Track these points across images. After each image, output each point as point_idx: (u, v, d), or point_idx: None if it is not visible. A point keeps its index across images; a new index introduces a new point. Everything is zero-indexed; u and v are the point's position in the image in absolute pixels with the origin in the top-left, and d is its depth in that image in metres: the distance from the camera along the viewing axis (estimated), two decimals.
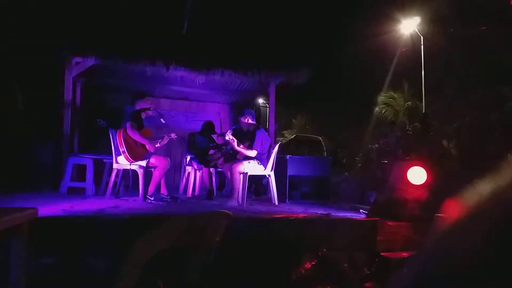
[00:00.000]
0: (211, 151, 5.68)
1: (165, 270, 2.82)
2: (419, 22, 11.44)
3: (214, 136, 6.03)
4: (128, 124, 4.41)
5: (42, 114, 5.82)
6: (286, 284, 3.03)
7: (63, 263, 2.79)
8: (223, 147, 5.83)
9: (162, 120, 4.87)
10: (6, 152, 5.12)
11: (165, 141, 4.81)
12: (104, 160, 5.25)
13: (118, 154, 4.55)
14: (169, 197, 4.70)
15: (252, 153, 4.70)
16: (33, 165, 5.35)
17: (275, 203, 4.82)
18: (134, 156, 4.42)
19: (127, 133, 4.42)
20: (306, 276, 3.09)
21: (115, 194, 4.70)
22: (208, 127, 5.92)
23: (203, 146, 5.81)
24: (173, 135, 4.91)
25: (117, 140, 4.45)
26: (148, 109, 4.72)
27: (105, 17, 5.81)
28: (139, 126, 4.54)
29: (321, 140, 10.35)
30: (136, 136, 4.42)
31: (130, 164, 4.48)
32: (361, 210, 4.18)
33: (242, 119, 4.87)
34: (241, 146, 4.71)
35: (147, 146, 4.49)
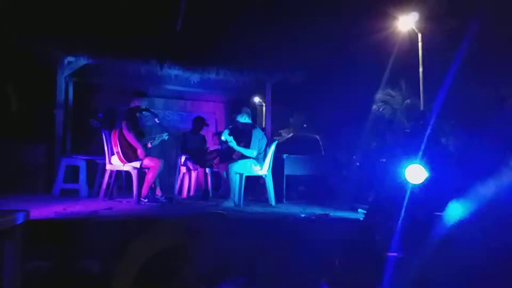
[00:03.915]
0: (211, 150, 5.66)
1: (160, 272, 2.77)
2: (416, 19, 11.47)
3: (209, 136, 5.98)
4: (124, 124, 4.34)
5: (33, 115, 5.75)
6: (284, 284, 2.99)
7: (56, 266, 2.75)
8: (217, 150, 5.79)
9: (156, 119, 4.80)
10: None
11: (156, 141, 4.76)
12: (97, 161, 5.18)
13: (111, 154, 4.49)
14: (164, 198, 4.65)
15: (252, 153, 4.65)
16: (25, 166, 5.28)
17: (272, 204, 4.78)
18: (127, 157, 4.35)
19: (122, 133, 4.35)
20: (303, 276, 3.05)
21: (109, 195, 4.65)
22: (198, 123, 5.86)
23: (197, 145, 5.76)
24: (164, 136, 4.84)
25: (112, 140, 4.38)
26: (146, 109, 4.66)
27: (97, 16, 5.73)
28: (134, 125, 4.48)
29: (319, 139, 10.33)
30: (130, 137, 4.35)
31: (124, 165, 4.41)
32: (359, 210, 4.15)
33: (238, 117, 4.83)
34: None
35: (138, 151, 4.39)
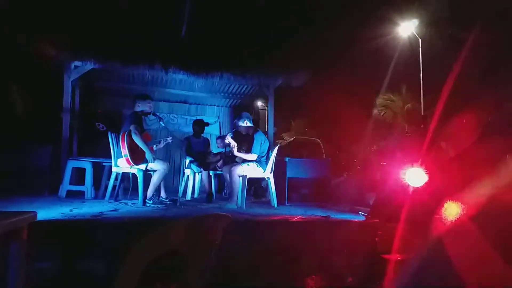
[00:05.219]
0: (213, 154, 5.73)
1: (165, 273, 2.82)
2: (417, 24, 11.57)
3: (213, 139, 6.04)
4: (132, 127, 4.33)
5: (41, 118, 5.83)
6: (285, 285, 3.03)
7: (61, 267, 2.77)
8: (221, 153, 5.85)
9: (161, 123, 4.87)
10: (4, 155, 5.12)
11: (161, 145, 4.86)
12: (103, 163, 5.24)
13: (118, 157, 4.54)
14: (168, 200, 4.71)
15: (252, 157, 4.71)
16: (32, 168, 5.34)
17: (274, 206, 4.82)
18: (136, 159, 4.40)
19: (131, 136, 4.34)
20: (305, 277, 3.09)
21: (114, 197, 4.70)
22: (198, 126, 5.90)
23: (201, 148, 5.82)
24: (169, 139, 4.94)
25: (121, 143, 4.41)
26: (150, 113, 4.70)
27: (104, 21, 5.83)
28: (140, 129, 4.51)
29: (320, 142, 10.40)
30: (138, 141, 4.35)
31: (130, 167, 4.47)
32: (360, 212, 4.19)
33: (240, 122, 4.88)
34: (241, 152, 4.77)
35: (146, 154, 4.40)
